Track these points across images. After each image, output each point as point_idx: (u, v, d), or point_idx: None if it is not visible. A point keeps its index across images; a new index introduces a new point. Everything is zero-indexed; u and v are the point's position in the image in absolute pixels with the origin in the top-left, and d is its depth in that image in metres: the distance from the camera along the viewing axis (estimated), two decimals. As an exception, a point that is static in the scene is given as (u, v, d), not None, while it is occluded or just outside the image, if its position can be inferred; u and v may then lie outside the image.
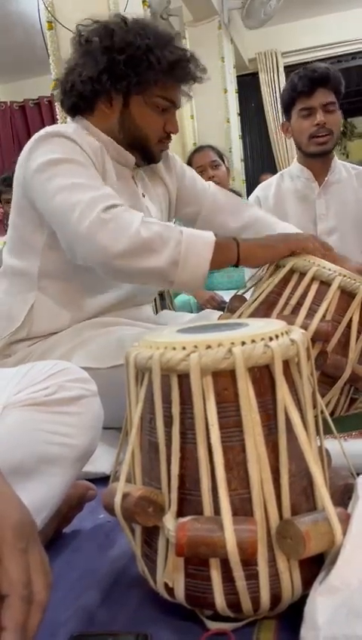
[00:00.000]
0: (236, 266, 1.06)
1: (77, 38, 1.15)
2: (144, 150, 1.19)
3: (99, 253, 0.99)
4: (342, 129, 1.77)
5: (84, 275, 1.12)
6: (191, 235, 1.00)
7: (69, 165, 1.05)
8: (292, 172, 1.83)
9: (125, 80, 1.10)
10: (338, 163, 1.79)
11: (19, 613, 0.38)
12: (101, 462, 0.93)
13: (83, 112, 1.17)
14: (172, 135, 1.21)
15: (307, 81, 1.62)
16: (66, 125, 1.13)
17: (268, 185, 1.88)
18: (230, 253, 1.04)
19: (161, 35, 1.13)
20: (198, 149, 2.54)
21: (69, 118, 1.22)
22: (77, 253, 1.04)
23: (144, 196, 1.24)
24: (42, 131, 1.09)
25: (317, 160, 1.74)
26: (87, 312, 1.17)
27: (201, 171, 2.46)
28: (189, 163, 2.53)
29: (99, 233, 0.97)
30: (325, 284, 1.00)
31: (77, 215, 0.99)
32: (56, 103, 1.21)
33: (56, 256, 1.12)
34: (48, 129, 1.09)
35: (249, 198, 1.98)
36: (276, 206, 1.82)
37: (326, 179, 1.76)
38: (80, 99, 1.15)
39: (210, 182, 1.42)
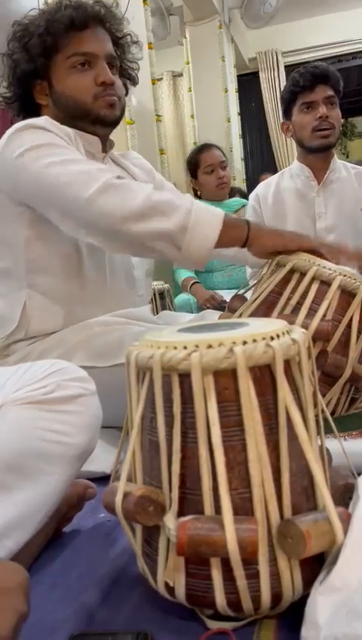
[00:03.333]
0: (243, 246, 1.04)
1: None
2: (86, 114, 1.15)
3: (106, 218, 0.97)
4: (342, 129, 1.79)
5: (71, 266, 1.12)
6: (201, 207, 1.00)
7: (54, 147, 1.04)
8: (292, 170, 1.84)
9: (28, 60, 1.12)
10: (338, 162, 1.80)
11: None
12: (101, 461, 0.93)
13: (32, 113, 1.18)
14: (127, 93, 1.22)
15: (309, 76, 1.65)
16: (37, 119, 1.12)
17: (268, 184, 1.89)
18: (239, 232, 1.03)
19: (51, 7, 1.15)
20: (206, 147, 2.51)
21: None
22: (79, 222, 1.02)
23: None
24: (14, 127, 1.08)
25: (318, 157, 1.74)
26: (81, 308, 1.17)
27: (211, 170, 2.45)
28: (195, 161, 2.51)
29: (108, 197, 0.97)
30: (325, 283, 1.00)
31: (81, 182, 0.98)
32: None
33: (39, 250, 1.12)
34: (22, 123, 1.08)
35: (249, 197, 1.99)
36: (275, 204, 1.83)
37: (325, 177, 1.76)
38: (18, 100, 1.18)
39: (187, 194, 1.43)
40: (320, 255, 1.05)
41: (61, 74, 1.13)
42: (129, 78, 1.29)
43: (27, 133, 1.06)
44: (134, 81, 1.30)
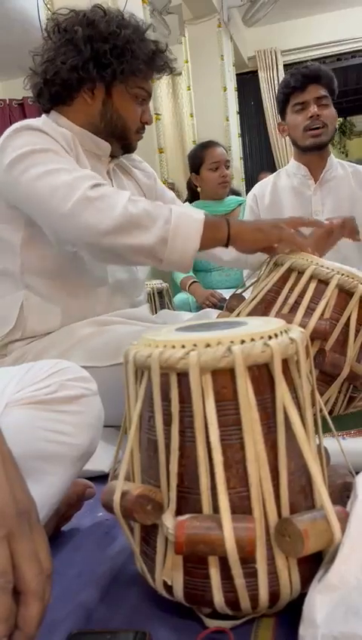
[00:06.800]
0: (226, 246, 1.05)
1: (55, 27, 1.15)
2: (123, 139, 1.22)
3: (86, 232, 0.99)
4: (341, 127, 1.79)
5: (67, 268, 1.13)
6: (180, 214, 1.00)
7: (44, 154, 1.05)
8: (288, 169, 1.86)
9: (109, 68, 1.12)
10: (334, 160, 1.81)
11: None
12: (100, 460, 0.93)
13: (61, 103, 1.18)
14: (147, 127, 1.26)
15: (299, 76, 1.67)
16: (35, 119, 1.13)
17: (265, 183, 1.90)
18: (219, 233, 1.04)
19: (138, 26, 1.16)
20: (212, 144, 2.49)
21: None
22: (63, 234, 1.04)
23: None
24: (11, 128, 1.09)
25: (313, 155, 1.75)
26: (79, 309, 1.17)
27: (216, 167, 2.44)
28: (199, 156, 2.48)
29: (85, 211, 0.98)
30: (323, 282, 1.00)
31: (61, 196, 0.99)
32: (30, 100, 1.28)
33: (35, 251, 1.12)
34: (17, 124, 1.09)
35: (247, 197, 1.99)
36: (272, 203, 1.84)
37: (321, 175, 1.77)
38: (63, 88, 1.15)
39: (186, 203, 1.44)
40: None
41: (125, 94, 1.17)
42: None
43: (22, 136, 1.06)
44: None
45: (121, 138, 1.22)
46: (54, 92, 1.16)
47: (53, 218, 1.02)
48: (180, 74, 4.87)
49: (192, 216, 1.01)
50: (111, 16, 1.14)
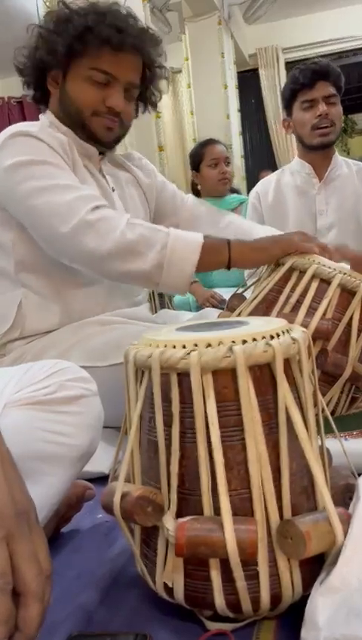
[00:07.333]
0: (228, 268, 1.05)
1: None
2: (82, 126, 1.15)
3: (84, 256, 1.01)
4: (342, 126, 1.78)
5: (62, 266, 1.12)
6: (177, 239, 1.00)
7: (43, 166, 1.04)
8: (292, 167, 1.84)
9: (49, 49, 1.10)
10: (339, 159, 1.79)
11: None
12: (100, 461, 0.92)
13: (42, 98, 1.19)
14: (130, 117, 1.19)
15: (309, 73, 1.64)
16: (32, 124, 1.13)
17: (269, 181, 1.88)
18: (220, 255, 1.03)
19: (91, 7, 1.11)
20: (212, 142, 2.49)
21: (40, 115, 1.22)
22: (59, 252, 1.06)
23: (113, 190, 1.23)
24: (8, 131, 1.08)
25: (318, 154, 1.73)
26: (77, 307, 1.17)
27: (215, 164, 2.44)
28: (199, 154, 2.49)
29: (85, 236, 0.99)
30: (325, 282, 0.99)
31: (61, 216, 0.99)
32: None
33: (27, 250, 1.12)
34: (14, 129, 1.08)
35: (249, 194, 1.98)
36: (275, 201, 1.82)
37: (326, 174, 1.75)
38: (31, 80, 1.17)
39: (189, 195, 1.43)
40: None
41: (77, 76, 1.12)
42: (149, 103, 1.27)
43: (18, 143, 1.06)
44: (154, 107, 1.29)
45: (79, 125, 1.15)
46: (30, 88, 1.19)
47: (52, 236, 1.03)
48: (180, 72, 4.87)
49: (189, 241, 1.00)
50: (68, 6, 1.12)
